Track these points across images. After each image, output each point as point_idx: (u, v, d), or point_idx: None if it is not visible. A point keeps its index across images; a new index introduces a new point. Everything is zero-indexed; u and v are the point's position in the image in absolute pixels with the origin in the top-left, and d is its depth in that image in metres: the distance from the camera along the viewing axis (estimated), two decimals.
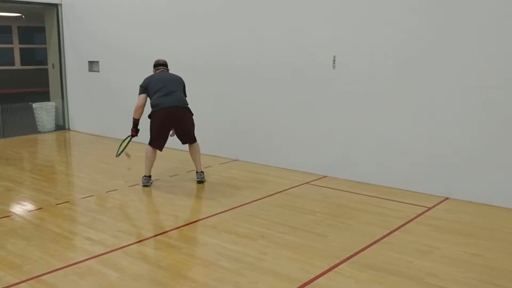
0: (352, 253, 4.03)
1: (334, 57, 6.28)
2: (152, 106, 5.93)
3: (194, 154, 6.23)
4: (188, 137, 6.14)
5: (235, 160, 7.55)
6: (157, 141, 6.02)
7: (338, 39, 6.23)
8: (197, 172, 6.29)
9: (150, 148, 6.06)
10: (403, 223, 4.76)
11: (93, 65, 9.83)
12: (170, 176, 6.63)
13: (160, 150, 6.11)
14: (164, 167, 6.85)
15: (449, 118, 5.46)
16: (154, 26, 8.41)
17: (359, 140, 6.21)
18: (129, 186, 6.14)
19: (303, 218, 4.92)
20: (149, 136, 6.05)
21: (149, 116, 5.96)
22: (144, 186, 6.07)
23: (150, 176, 6.15)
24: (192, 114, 6.09)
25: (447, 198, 5.51)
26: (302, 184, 6.18)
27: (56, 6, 10.37)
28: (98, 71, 9.72)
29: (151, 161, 6.10)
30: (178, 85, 6.04)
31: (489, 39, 5.12)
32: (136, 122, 6.08)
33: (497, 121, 5.16)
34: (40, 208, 5.30)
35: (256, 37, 7.06)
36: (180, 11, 7.99)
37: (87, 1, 9.71)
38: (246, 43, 7.19)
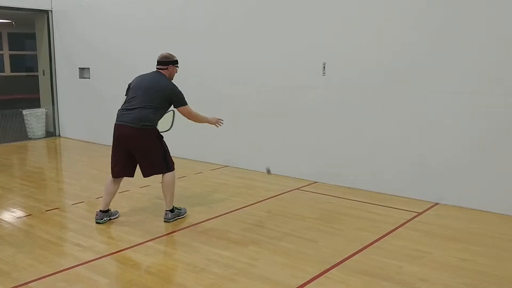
0: (342, 258, 4.03)
1: (324, 64, 6.31)
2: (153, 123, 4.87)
3: (162, 188, 4.98)
4: (147, 167, 4.85)
5: (226, 166, 7.54)
6: (113, 166, 4.95)
7: (328, 46, 6.26)
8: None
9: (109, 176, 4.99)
10: (393, 228, 4.77)
11: (83, 72, 9.81)
12: (160, 182, 6.59)
13: (116, 177, 4.95)
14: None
15: (440, 124, 5.49)
16: (145, 33, 8.41)
17: (350, 146, 6.23)
18: (119, 192, 6.09)
19: (293, 223, 4.92)
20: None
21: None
22: (96, 222, 4.93)
23: (107, 211, 4.99)
24: (157, 137, 4.84)
25: (437, 204, 5.54)
26: (293, 190, 6.18)
27: (46, 12, 10.35)
28: (89, 78, 9.71)
29: (107, 193, 4.96)
30: (151, 98, 4.75)
31: (480, 46, 5.16)
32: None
33: (488, 128, 5.20)
34: (30, 215, 5.26)
35: (249, 41, 7.08)
36: (171, 19, 8.01)
37: (78, 7, 9.70)
38: (237, 47, 7.21)
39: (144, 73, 5.08)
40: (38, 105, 10.97)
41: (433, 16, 5.43)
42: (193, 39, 7.70)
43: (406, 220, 4.99)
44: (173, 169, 4.98)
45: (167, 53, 5.07)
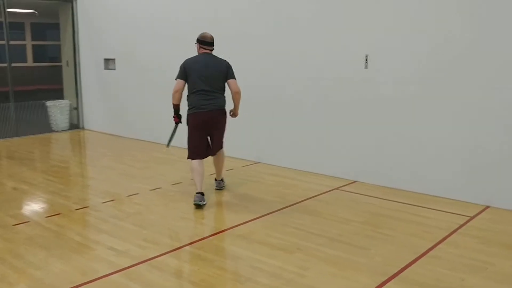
0: (398, 269, 3.71)
1: (367, 56, 5.96)
2: (188, 105, 5.28)
3: (218, 161, 5.67)
4: (219, 144, 5.53)
5: (257, 162, 7.24)
6: (195, 150, 5.33)
7: (372, 39, 5.90)
8: (216, 180, 5.90)
9: (191, 161, 5.35)
10: (447, 234, 4.44)
11: (109, 63, 9.56)
12: (191, 179, 6.33)
13: (202, 158, 5.34)
14: (186, 170, 6.52)
15: (487, 122, 5.13)
16: (173, 25, 8.13)
17: (392, 144, 5.88)
18: (151, 189, 5.86)
19: (338, 227, 4.61)
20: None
21: (186, 122, 5.35)
22: (195, 204, 5.17)
23: (202, 194, 5.25)
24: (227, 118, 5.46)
25: (488, 207, 5.18)
26: (332, 189, 5.87)
27: (71, 2, 10.11)
28: (114, 69, 9.45)
29: (199, 174, 5.29)
30: (220, 81, 5.25)
31: None
32: (176, 108, 5.35)
33: None
34: (59, 214, 5.03)
35: (283, 33, 6.75)
36: (201, 13, 7.70)
37: None
38: (272, 41, 6.88)
39: (197, 57, 5.31)
40: (61, 97, 10.77)
41: (484, 10, 5.04)
42: (223, 32, 7.39)
43: (459, 225, 4.65)
44: None
45: (209, 34, 5.36)
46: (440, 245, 4.19)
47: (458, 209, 5.12)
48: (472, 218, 4.87)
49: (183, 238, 4.44)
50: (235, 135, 7.38)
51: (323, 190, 5.81)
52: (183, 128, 5.41)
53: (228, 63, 5.30)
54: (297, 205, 5.28)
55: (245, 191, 5.82)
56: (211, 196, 5.57)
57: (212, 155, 5.54)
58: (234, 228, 4.59)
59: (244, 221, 4.76)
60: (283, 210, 5.11)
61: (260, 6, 6.96)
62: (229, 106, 5.45)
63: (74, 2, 10.11)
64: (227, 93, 5.35)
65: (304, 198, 5.49)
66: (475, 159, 5.27)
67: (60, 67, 11.01)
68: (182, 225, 4.76)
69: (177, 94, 5.23)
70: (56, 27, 11.07)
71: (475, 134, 5.24)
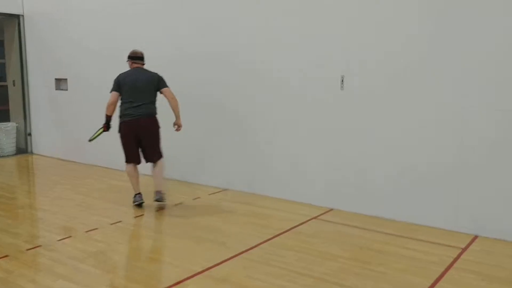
0: None
1: (343, 77, 5.65)
2: (119, 116, 5.70)
3: (156, 171, 5.80)
4: (153, 152, 5.76)
5: (225, 189, 6.78)
6: (128, 155, 5.77)
7: (347, 56, 5.60)
8: (156, 192, 5.79)
9: (127, 165, 5.81)
10: (443, 270, 4.11)
11: (60, 83, 8.90)
12: (156, 210, 5.81)
13: (138, 163, 5.81)
14: (147, 199, 5.98)
15: (472, 141, 4.89)
16: (128, 41, 7.62)
17: (370, 169, 5.57)
18: (111, 223, 5.29)
19: (325, 265, 4.20)
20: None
21: (118, 131, 5.72)
22: (135, 204, 5.80)
23: (140, 194, 5.83)
24: (159, 127, 5.78)
25: (476, 236, 4.92)
26: (310, 219, 5.48)
27: (17, 17, 9.41)
28: (67, 90, 8.79)
29: (134, 177, 5.81)
30: (149, 92, 5.67)
31: None
32: (107, 118, 5.82)
33: None
34: (6, 256, 4.38)
35: (258, 53, 6.37)
36: (155, 25, 7.23)
37: (52, 12, 8.79)
38: (246, 61, 6.49)
39: (129, 71, 5.78)
40: (6, 119, 9.96)
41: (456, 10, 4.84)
42: (184, 41, 6.95)
43: (452, 259, 4.34)
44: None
45: (139, 50, 5.89)
46: (439, 283, 3.85)
47: (446, 239, 4.82)
48: (463, 250, 4.57)
49: (154, 283, 3.91)
50: (200, 160, 6.94)
51: (300, 220, 5.40)
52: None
53: (159, 75, 5.74)
54: (276, 238, 4.85)
55: (218, 223, 5.34)
56: (182, 229, 5.07)
57: (152, 162, 5.80)
58: (211, 270, 4.10)
59: (222, 260, 4.28)
60: (262, 245, 4.67)
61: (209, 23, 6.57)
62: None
63: (20, 17, 9.41)
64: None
65: (282, 231, 5.07)
66: (462, 186, 5.01)
67: (6, 86, 10.20)
68: (152, 268, 4.23)
69: (111, 106, 5.71)
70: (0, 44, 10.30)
71: (464, 160, 4.98)
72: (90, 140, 6.08)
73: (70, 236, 4.91)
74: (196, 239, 4.81)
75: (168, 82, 5.82)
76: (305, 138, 6.03)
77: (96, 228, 5.12)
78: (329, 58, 5.71)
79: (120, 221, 5.36)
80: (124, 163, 5.84)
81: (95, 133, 6.05)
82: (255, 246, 4.63)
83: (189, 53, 6.92)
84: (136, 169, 5.82)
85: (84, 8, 8.22)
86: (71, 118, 8.79)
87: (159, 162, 5.80)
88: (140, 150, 5.76)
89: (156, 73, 5.76)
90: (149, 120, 5.65)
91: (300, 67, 5.94)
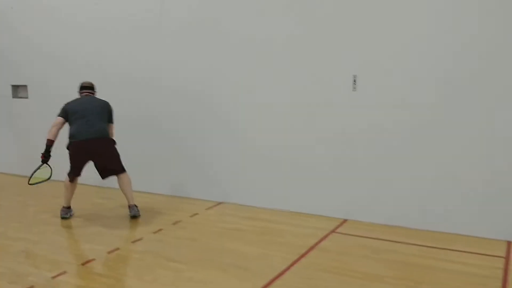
0: None
1: (355, 76, 5.21)
2: (69, 136, 5.50)
3: (125, 186, 5.60)
4: (112, 168, 5.59)
5: (221, 202, 6.20)
6: (77, 171, 5.62)
7: (360, 58, 5.18)
8: (130, 206, 5.61)
9: (70, 177, 5.65)
10: (500, 284, 3.74)
11: (18, 90, 7.96)
12: (154, 232, 5.14)
13: (78, 175, 5.68)
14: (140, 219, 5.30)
15: (501, 148, 4.60)
16: (98, 42, 6.89)
17: (386, 175, 5.19)
18: (108, 252, 4.59)
19: (373, 287, 3.73)
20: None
21: (67, 147, 5.54)
22: (62, 218, 5.67)
23: (69, 207, 5.79)
24: (115, 143, 5.63)
25: (510, 242, 4.62)
26: (329, 233, 5.01)
27: None
28: (27, 97, 7.87)
29: (71, 192, 5.72)
30: (99, 114, 5.56)
31: None
32: (49, 144, 5.51)
33: None
34: None
35: (258, 55, 5.83)
36: (128, 28, 6.56)
37: (9, 10, 7.83)
38: (235, 69, 5.93)
39: (80, 98, 5.69)
40: None
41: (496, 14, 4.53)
42: (169, 44, 6.32)
43: (503, 270, 4.01)
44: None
45: (88, 81, 5.85)
46: None
47: (485, 248, 4.50)
48: (507, 259, 4.24)
49: None
50: (192, 173, 6.35)
51: (319, 235, 4.92)
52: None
53: (109, 105, 5.69)
54: (302, 260, 4.32)
55: (231, 245, 4.74)
56: (197, 255, 4.44)
57: (114, 175, 5.63)
58: None
59: None
60: (291, 269, 4.12)
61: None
62: None
63: None
64: None
65: (305, 249, 4.56)
66: (491, 190, 4.70)
67: None
68: None
69: (54, 128, 5.51)
70: None
71: (490, 163, 4.67)
72: (30, 184, 5.67)
73: (64, 272, 4.15)
74: (219, 266, 4.18)
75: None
76: (313, 145, 5.56)
77: (93, 259, 4.41)
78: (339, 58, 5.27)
79: (117, 248, 4.67)
80: (66, 175, 5.64)
81: (35, 172, 5.66)
82: (286, 270, 4.09)
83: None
84: (76, 182, 5.70)
85: (44, 3, 7.38)
86: (32, 129, 7.87)
87: (124, 176, 5.60)
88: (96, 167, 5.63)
89: (107, 102, 5.68)
90: (102, 141, 5.51)
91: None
